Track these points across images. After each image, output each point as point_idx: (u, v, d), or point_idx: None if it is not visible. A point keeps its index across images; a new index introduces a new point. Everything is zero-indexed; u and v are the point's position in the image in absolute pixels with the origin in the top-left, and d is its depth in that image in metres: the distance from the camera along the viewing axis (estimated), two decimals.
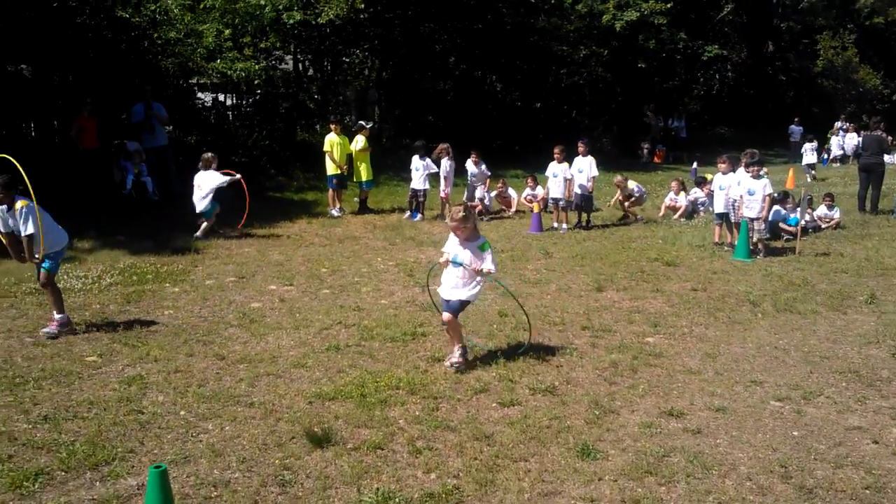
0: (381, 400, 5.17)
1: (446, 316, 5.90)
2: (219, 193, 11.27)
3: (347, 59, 21.79)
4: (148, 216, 12.12)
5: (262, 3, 15.84)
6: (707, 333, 6.95)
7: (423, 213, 13.68)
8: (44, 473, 4.11)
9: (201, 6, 15.88)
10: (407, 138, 22.13)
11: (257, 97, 18.47)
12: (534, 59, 24.40)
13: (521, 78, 25.33)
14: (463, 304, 5.96)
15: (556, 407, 5.13)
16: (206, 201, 11.11)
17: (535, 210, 12.96)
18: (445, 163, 13.54)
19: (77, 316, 7.07)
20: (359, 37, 19.74)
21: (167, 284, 8.38)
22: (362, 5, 16.32)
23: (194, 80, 16.60)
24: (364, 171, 14.15)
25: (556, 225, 12.88)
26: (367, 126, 14.68)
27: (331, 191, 13.96)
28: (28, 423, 4.75)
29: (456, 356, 5.91)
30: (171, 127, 15.06)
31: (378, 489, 3.98)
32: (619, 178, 14.14)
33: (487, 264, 5.79)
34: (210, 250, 10.33)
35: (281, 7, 15.90)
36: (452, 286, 5.92)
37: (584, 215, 13.05)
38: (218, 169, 11.42)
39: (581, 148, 12.93)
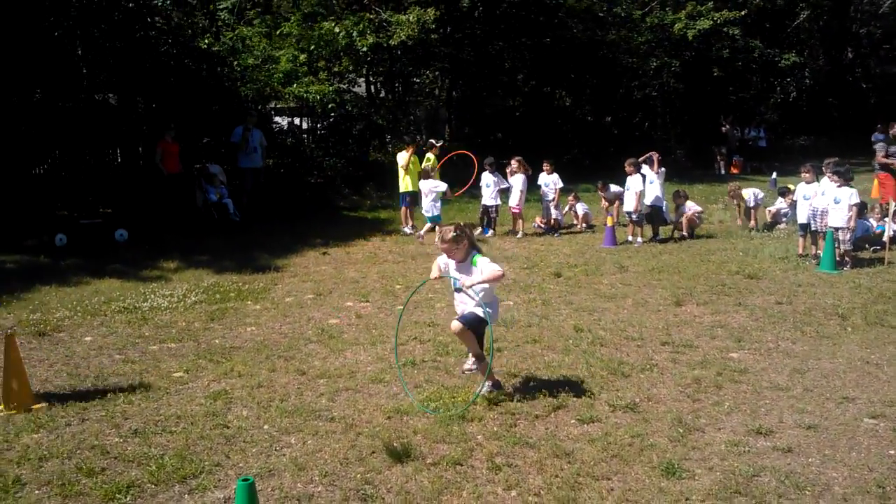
0: (458, 415, 5.17)
1: (455, 325, 5.38)
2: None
3: (418, 80, 22.12)
4: (230, 236, 12.51)
5: (337, 29, 16.23)
6: (794, 348, 6.70)
7: (494, 229, 13.69)
8: (135, 486, 4.24)
9: (278, 33, 16.40)
10: (477, 156, 22.25)
11: (331, 120, 18.91)
12: (603, 72, 24.22)
13: (590, 92, 25.19)
14: (477, 320, 5.36)
15: (637, 424, 5.03)
16: (436, 207, 12.99)
17: (609, 223, 12.80)
18: (519, 178, 13.53)
19: (164, 333, 7.33)
20: (429, 57, 20.02)
21: (249, 302, 8.61)
22: (433, 26, 16.53)
23: (272, 105, 17.12)
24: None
25: (630, 238, 12.69)
26: (437, 144, 14.84)
27: (403, 208, 14.12)
28: (119, 437, 4.93)
29: (469, 362, 5.57)
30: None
31: None
32: (732, 185, 13.98)
33: (470, 279, 5.21)
34: (289, 268, 10.58)
35: (355, 33, 16.27)
36: (463, 311, 5.48)
37: (653, 228, 12.83)
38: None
39: (654, 161, 12.76)
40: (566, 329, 7.37)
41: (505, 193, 13.91)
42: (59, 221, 12.04)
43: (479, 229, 13.76)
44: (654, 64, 24.66)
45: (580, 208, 14.75)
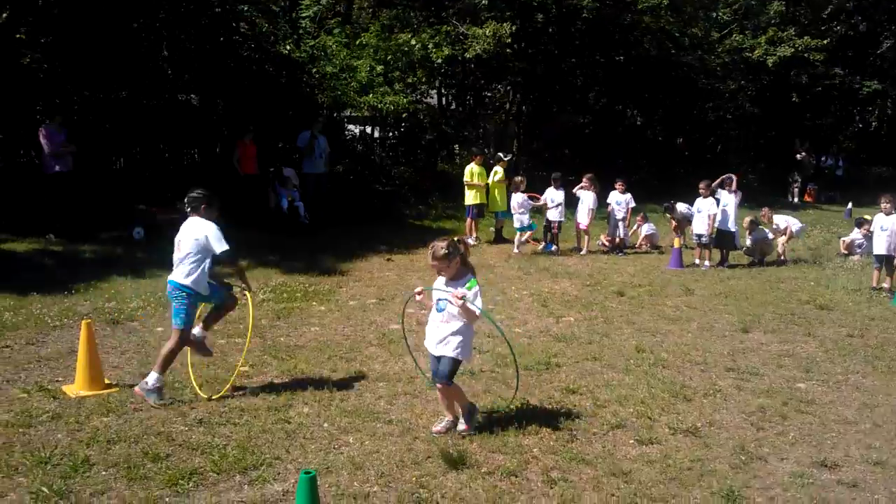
0: (515, 427, 5.17)
1: (439, 386, 5.02)
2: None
3: (489, 94, 22.21)
4: (299, 238, 12.78)
5: (413, 41, 16.45)
6: (864, 382, 6.48)
7: (557, 245, 13.62)
8: (197, 473, 4.38)
9: (357, 42, 16.71)
10: (543, 171, 22.19)
11: (402, 130, 19.15)
12: (677, 92, 23.86)
13: (662, 112, 24.84)
14: (454, 366, 4.98)
15: (698, 449, 4.94)
16: (526, 217, 13.27)
17: (676, 245, 12.61)
18: (589, 195, 13.45)
19: (231, 328, 7.54)
20: (502, 71, 20.08)
21: (314, 303, 8.79)
22: (509, 39, 16.60)
23: (346, 113, 17.45)
24: (500, 202, 14.31)
25: (697, 261, 12.47)
26: (505, 158, 14.88)
27: (469, 220, 14.20)
28: (184, 426, 5.09)
29: (441, 424, 5.10)
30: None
31: None
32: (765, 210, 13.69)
33: (469, 299, 4.86)
34: (354, 273, 10.75)
35: (431, 45, 16.45)
36: (437, 339, 5.00)
37: (721, 252, 12.58)
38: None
39: (728, 184, 12.53)
40: (627, 349, 7.29)
41: (568, 209, 13.86)
42: (137, 215, 12.49)
43: (542, 245, 13.73)
44: (731, 87, 24.20)
45: (646, 228, 14.59)
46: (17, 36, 11.56)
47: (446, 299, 4.93)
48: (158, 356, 5.58)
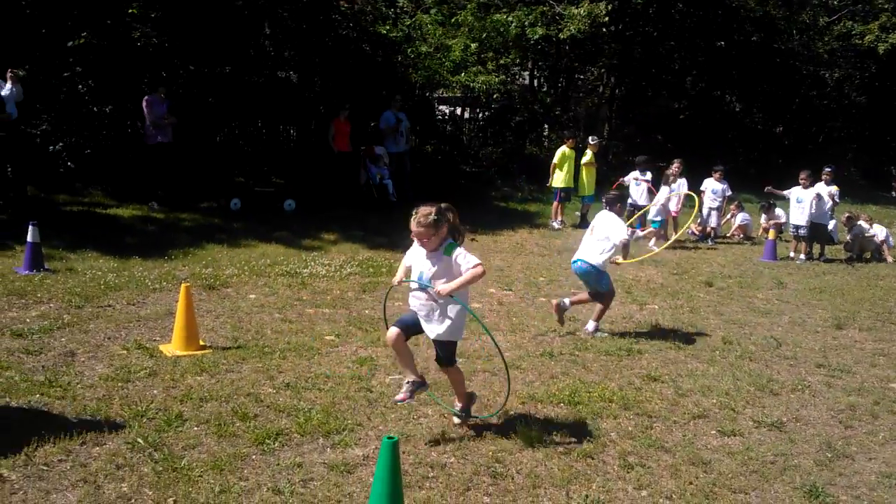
0: (593, 411, 5.16)
1: (390, 334, 4.58)
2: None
3: (582, 76, 21.90)
4: (386, 215, 12.99)
5: (510, 19, 16.37)
6: None
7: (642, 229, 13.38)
8: (283, 434, 4.55)
9: (452, 21, 16.76)
10: (634, 156, 21.77)
11: (492, 110, 19.13)
12: (779, 80, 22.91)
13: (763, 99, 23.91)
14: (451, 347, 4.63)
15: (782, 443, 4.81)
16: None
17: (771, 237, 12.18)
18: (682, 182, 13.14)
19: (320, 299, 7.77)
20: (597, 53, 19.76)
21: None
22: (605, 20, 16.31)
23: (439, 92, 17.57)
24: (588, 186, 14.14)
25: (792, 254, 12.02)
26: (595, 141, 14.66)
27: (555, 203, 14.10)
28: (273, 389, 5.30)
29: (403, 391, 4.68)
30: (414, 137, 16.06)
31: (587, 496, 3.99)
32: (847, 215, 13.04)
33: (447, 286, 4.38)
34: None
35: (526, 23, 16.34)
36: (423, 316, 4.59)
37: (820, 246, 12.07)
38: None
39: (825, 176, 12.01)
40: (713, 340, 7.13)
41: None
42: (235, 187, 12.98)
43: (630, 229, 13.48)
44: (837, 75, 23.05)
45: (741, 218, 14.14)
46: (130, 10, 12.12)
47: (426, 287, 4.48)
48: (596, 310, 7.18)
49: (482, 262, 4.51)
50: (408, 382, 4.66)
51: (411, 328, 4.63)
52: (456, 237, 4.56)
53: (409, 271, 4.69)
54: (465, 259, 4.43)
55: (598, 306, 7.19)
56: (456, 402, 4.87)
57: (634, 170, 13.43)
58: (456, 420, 4.81)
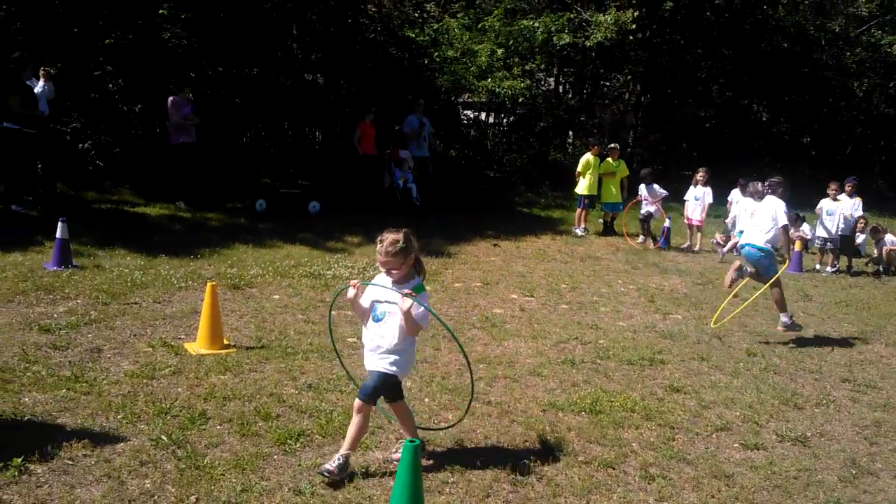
0: (614, 420, 5.13)
1: (357, 402, 4.11)
2: None
3: (608, 83, 21.83)
4: (410, 219, 13.01)
5: (536, 25, 16.38)
6: None
7: (655, 239, 13.33)
8: (305, 435, 4.56)
9: (479, 26, 16.80)
10: (660, 164, 21.65)
11: (516, 116, 19.13)
12: (807, 90, 22.69)
13: (790, 109, 23.69)
14: (382, 382, 4.14)
15: (805, 458, 4.75)
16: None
17: (797, 248, 12.05)
18: (707, 190, 13.10)
19: (342, 301, 7.78)
20: (623, 60, 19.70)
21: None
22: (633, 27, 16.27)
23: (464, 97, 17.61)
24: (615, 193, 14.10)
25: (818, 266, 11.89)
26: (613, 146, 14.60)
27: (579, 210, 14.05)
28: (295, 389, 5.32)
29: (333, 462, 4.03)
30: (438, 140, 16.10)
31: None
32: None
33: (410, 304, 4.01)
34: (460, 256, 10.88)
35: (553, 29, 16.33)
36: (372, 349, 4.20)
37: (848, 259, 11.94)
38: None
39: (848, 187, 11.88)
40: (737, 351, 7.07)
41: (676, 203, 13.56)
42: (261, 188, 13.09)
43: (643, 239, 13.36)
44: (865, 85, 22.78)
45: None
46: (160, 11, 12.29)
47: (388, 302, 4.15)
48: (777, 303, 7.70)
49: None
50: (342, 456, 4.06)
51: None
52: (419, 269, 4.29)
53: (359, 289, 4.23)
54: (423, 303, 4.07)
55: (775, 297, 7.70)
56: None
57: (640, 184, 13.63)
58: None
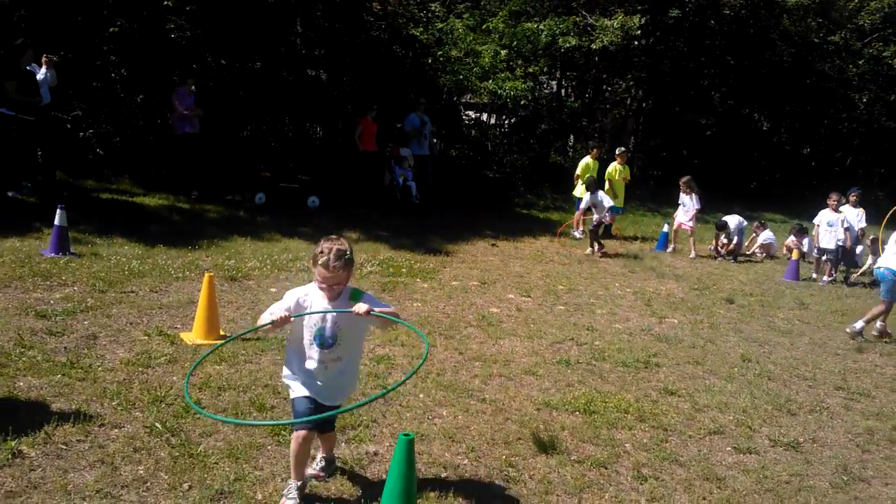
0: (608, 421, 5.14)
1: (303, 433, 3.60)
2: None
3: (610, 88, 21.86)
4: (408, 217, 13.05)
5: (541, 28, 16.39)
6: None
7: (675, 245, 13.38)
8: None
9: (483, 27, 16.81)
10: (658, 170, 21.70)
11: (518, 118, 19.15)
12: (809, 101, 22.76)
13: (791, 120, 23.76)
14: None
15: (798, 464, 4.77)
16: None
17: (794, 257, 12.08)
18: (692, 197, 13.16)
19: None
20: (626, 66, 19.73)
21: (418, 280, 8.97)
22: (638, 32, 16.29)
23: (466, 98, 17.62)
24: (617, 198, 14.15)
25: (815, 276, 11.92)
26: (620, 152, 14.63)
27: (578, 213, 14.06)
28: None
29: (291, 493, 3.65)
30: (437, 140, 16.10)
31: None
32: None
33: (377, 308, 3.56)
34: (458, 255, 10.89)
35: (557, 32, 16.34)
36: (326, 378, 3.68)
37: (845, 269, 11.97)
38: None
39: (852, 198, 11.90)
40: (732, 357, 7.08)
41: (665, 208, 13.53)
42: (261, 182, 13.08)
43: (595, 249, 12.48)
44: (866, 98, 22.85)
45: (764, 236, 14.04)
46: (165, 3, 12.28)
47: (335, 324, 3.64)
48: (872, 314, 8.21)
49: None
50: (297, 488, 3.67)
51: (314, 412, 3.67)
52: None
53: (287, 310, 3.59)
54: (381, 303, 3.67)
55: (879, 310, 8.14)
56: (320, 453, 4.02)
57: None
58: (314, 469, 3.97)
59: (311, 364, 3.65)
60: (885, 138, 24.75)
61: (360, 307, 3.51)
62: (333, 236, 3.65)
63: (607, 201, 12.55)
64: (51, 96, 10.73)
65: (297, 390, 3.68)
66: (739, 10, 19.15)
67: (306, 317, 3.62)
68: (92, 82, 12.72)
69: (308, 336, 3.64)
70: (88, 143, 12.69)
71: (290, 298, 3.65)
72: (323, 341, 3.63)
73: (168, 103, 12.32)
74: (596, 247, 12.25)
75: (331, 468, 4.02)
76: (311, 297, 3.66)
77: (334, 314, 3.61)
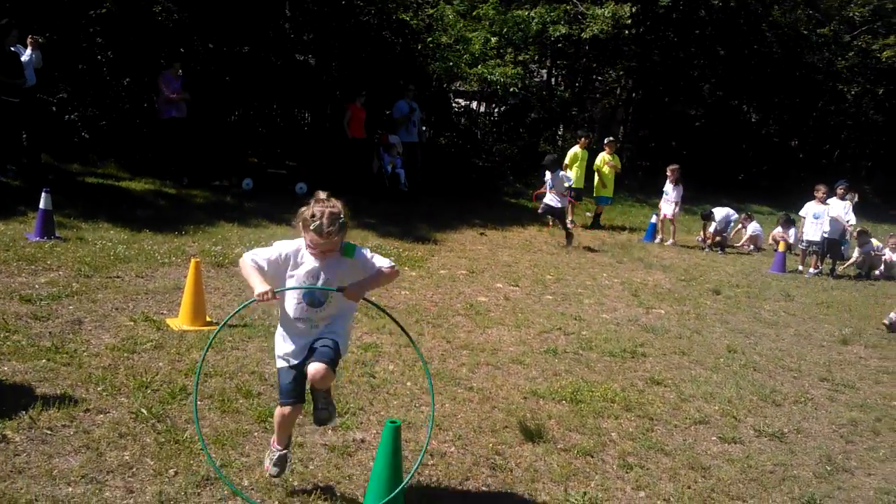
0: (594, 410, 5.16)
1: (320, 369, 3.33)
2: None
3: (600, 78, 21.85)
4: (397, 204, 13.01)
5: (532, 15, 16.33)
6: None
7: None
8: None
9: (474, 14, 16.73)
10: (647, 160, 21.75)
11: (507, 106, 19.10)
12: (798, 93, 22.85)
13: (780, 112, 23.85)
14: (338, 354, 3.45)
15: (782, 454, 4.80)
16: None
17: (781, 249, 12.16)
18: (677, 186, 13.25)
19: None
20: (616, 55, 19.71)
21: (406, 268, 8.95)
22: (629, 21, 16.26)
23: (456, 85, 17.53)
24: (606, 188, 14.19)
25: (801, 268, 12.00)
26: (609, 141, 14.64)
27: (568, 201, 14.06)
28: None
29: (270, 461, 3.64)
30: (425, 127, 16.04)
31: (585, 494, 3.99)
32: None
33: (358, 287, 3.43)
34: (447, 243, 10.88)
35: (548, 20, 16.29)
36: (311, 328, 3.50)
37: (832, 262, 12.06)
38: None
39: (839, 191, 11.98)
40: (718, 347, 7.12)
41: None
42: (248, 167, 13.00)
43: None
44: (855, 90, 22.96)
45: (751, 228, 14.11)
46: None
47: (323, 287, 3.42)
48: None
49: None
50: (279, 454, 3.61)
51: (302, 387, 3.53)
52: None
53: (264, 274, 3.43)
54: (378, 258, 3.53)
55: None
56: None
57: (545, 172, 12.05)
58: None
59: (300, 325, 3.49)
60: (872, 132, 24.91)
61: (352, 292, 3.39)
62: (323, 196, 3.41)
63: (567, 180, 12.10)
64: (36, 78, 10.59)
65: (284, 358, 3.54)
66: (728, 1, 19.16)
67: (295, 272, 3.43)
68: (78, 64, 12.57)
69: (297, 294, 3.46)
70: (74, 126, 12.55)
71: (278, 251, 3.45)
72: (313, 300, 3.46)
73: (155, 87, 12.19)
74: (556, 229, 11.83)
75: (328, 412, 3.68)
76: (302, 256, 3.45)
77: (321, 278, 3.41)
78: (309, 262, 3.44)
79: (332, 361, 3.38)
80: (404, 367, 5.59)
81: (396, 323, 3.97)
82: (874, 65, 22.40)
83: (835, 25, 22.53)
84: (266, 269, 3.43)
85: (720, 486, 4.27)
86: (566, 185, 12.19)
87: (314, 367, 3.32)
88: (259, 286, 3.32)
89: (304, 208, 3.38)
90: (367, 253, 3.52)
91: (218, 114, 14.06)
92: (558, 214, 12.00)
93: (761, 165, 23.98)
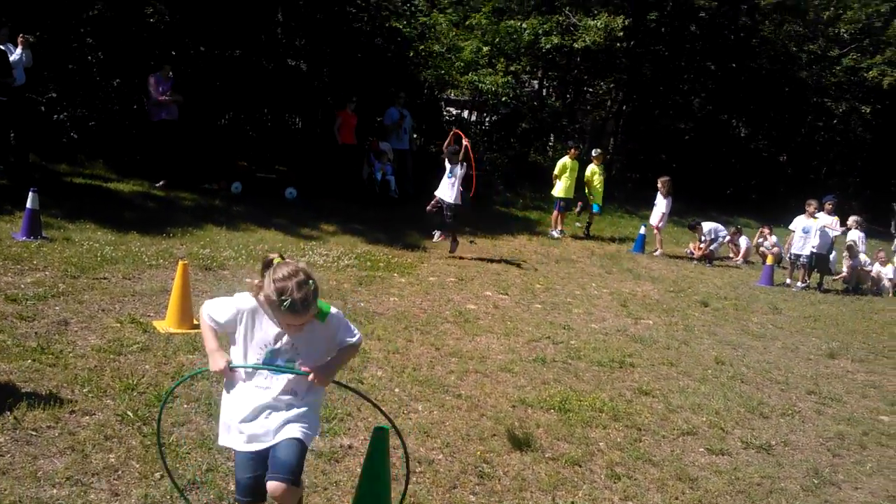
0: (582, 419, 5.15)
1: (278, 486, 2.82)
2: None
3: (591, 89, 21.95)
4: (387, 211, 12.99)
5: (524, 25, 16.39)
6: None
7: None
8: None
9: (466, 23, 16.77)
10: (637, 173, 21.85)
11: (499, 116, 19.14)
12: (787, 109, 23.04)
13: (769, 127, 24.04)
14: (303, 452, 2.94)
15: (769, 466, 4.81)
16: None
17: (769, 262, 12.23)
18: (661, 199, 13.38)
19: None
20: (608, 67, 19.82)
21: (395, 274, 8.93)
22: (621, 34, 16.35)
23: (447, 94, 17.55)
24: (594, 198, 14.26)
25: (788, 281, 12.08)
26: (596, 153, 14.69)
27: (556, 212, 14.10)
28: None
29: None
30: (416, 135, 16.04)
31: (573, 503, 3.98)
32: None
33: (325, 369, 3.01)
34: (436, 251, 10.86)
35: (540, 31, 16.35)
36: (275, 419, 2.96)
37: (819, 276, 12.15)
38: None
39: (828, 206, 12.07)
40: (706, 359, 7.14)
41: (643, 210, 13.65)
42: (237, 171, 12.94)
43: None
44: (843, 107, 23.18)
45: (742, 242, 14.21)
46: None
47: (288, 347, 2.97)
48: None
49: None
50: None
51: (262, 480, 2.91)
52: None
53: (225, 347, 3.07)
54: (349, 328, 3.11)
55: None
56: None
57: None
58: None
59: (249, 394, 2.97)
60: (860, 149, 25.14)
61: (320, 376, 2.95)
62: (282, 261, 2.90)
63: (458, 171, 10.80)
64: (25, 77, 10.52)
65: (234, 427, 2.99)
66: (717, 14, 19.30)
67: (251, 337, 2.97)
68: (68, 65, 12.49)
69: (255, 360, 2.98)
70: (62, 126, 12.47)
71: (237, 307, 2.98)
72: (277, 368, 2.97)
73: (145, 88, 12.12)
74: (437, 234, 11.04)
75: None
76: (262, 316, 2.96)
77: (287, 344, 2.96)
78: (269, 325, 2.96)
79: (296, 471, 2.88)
80: (392, 373, 5.57)
81: (372, 403, 3.42)
82: (861, 83, 22.63)
83: (823, 42, 22.77)
84: (220, 327, 3.04)
85: (708, 497, 4.27)
86: (459, 173, 10.79)
87: (273, 486, 2.84)
88: (213, 360, 2.98)
89: (261, 281, 2.88)
90: (340, 315, 3.07)
91: (208, 117, 14.01)
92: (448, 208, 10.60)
93: (750, 180, 24.14)
